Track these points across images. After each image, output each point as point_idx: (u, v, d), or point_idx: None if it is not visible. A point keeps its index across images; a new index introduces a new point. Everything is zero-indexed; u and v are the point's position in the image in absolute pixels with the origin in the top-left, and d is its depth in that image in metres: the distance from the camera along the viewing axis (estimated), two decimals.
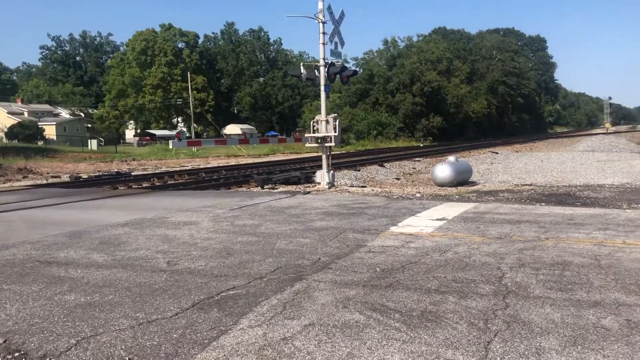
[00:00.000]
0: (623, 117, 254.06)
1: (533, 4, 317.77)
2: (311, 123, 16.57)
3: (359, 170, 25.57)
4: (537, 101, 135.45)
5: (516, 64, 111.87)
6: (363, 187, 18.18)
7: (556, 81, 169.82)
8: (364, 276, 5.61)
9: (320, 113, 16.48)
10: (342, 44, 16.65)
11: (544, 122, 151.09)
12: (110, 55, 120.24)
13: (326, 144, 16.19)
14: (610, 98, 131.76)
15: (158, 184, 20.83)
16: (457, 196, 14.00)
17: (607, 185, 17.46)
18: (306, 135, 16.78)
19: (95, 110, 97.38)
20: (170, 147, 57.65)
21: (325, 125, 16.14)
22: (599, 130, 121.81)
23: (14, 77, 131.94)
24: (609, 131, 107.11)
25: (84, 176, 25.49)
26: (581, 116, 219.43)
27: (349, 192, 14.95)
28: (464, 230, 8.09)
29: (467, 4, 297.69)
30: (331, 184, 16.32)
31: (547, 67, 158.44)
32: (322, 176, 16.50)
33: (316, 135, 16.13)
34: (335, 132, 16.01)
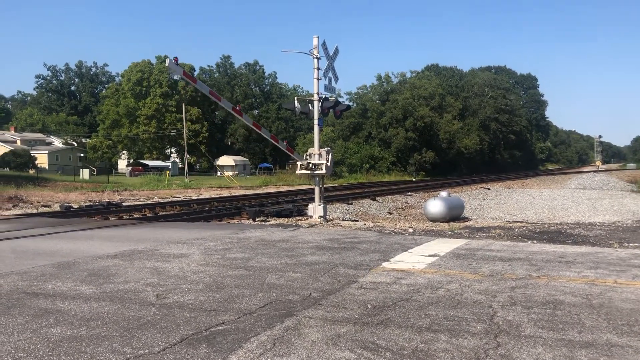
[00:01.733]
0: (613, 155, 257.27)
1: (524, 43, 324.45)
2: (304, 156, 16.65)
3: (352, 204, 25.58)
4: (529, 138, 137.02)
5: (508, 101, 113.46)
6: (355, 221, 18.17)
7: (547, 119, 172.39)
8: (355, 313, 5.56)
9: (313, 146, 16.58)
10: (336, 79, 16.86)
11: (535, 159, 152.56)
12: (106, 85, 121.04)
13: (317, 171, 16.18)
14: (600, 136, 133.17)
15: (149, 215, 20.70)
16: (449, 232, 14.01)
17: (598, 223, 17.53)
18: (298, 163, 16.80)
19: (88, 140, 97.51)
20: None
21: (318, 158, 16.23)
22: (589, 168, 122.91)
23: (9, 106, 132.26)
24: (599, 169, 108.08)
25: (75, 206, 25.32)
26: (572, 154, 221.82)
27: (341, 226, 14.92)
28: (456, 267, 8.07)
29: (460, 42, 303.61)
30: (323, 218, 16.29)
31: (538, 105, 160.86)
32: (314, 209, 16.49)
33: (308, 160, 16.18)
34: (328, 163, 16.11)
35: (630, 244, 12.15)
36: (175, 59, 13.87)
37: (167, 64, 13.99)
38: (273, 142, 17.74)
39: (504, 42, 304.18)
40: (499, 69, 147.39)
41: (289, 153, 17.79)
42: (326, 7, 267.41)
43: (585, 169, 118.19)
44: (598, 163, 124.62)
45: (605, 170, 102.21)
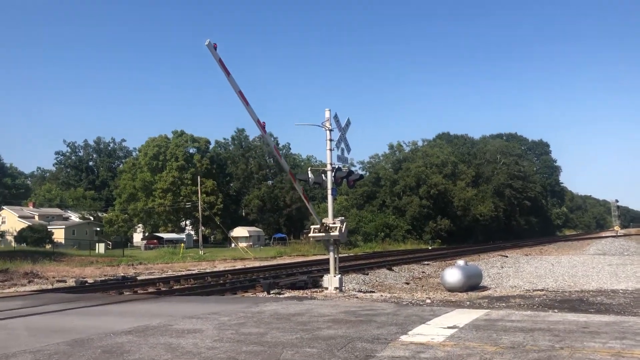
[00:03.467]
0: (632, 219, 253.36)
1: (535, 110, 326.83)
2: (321, 221, 16.61)
3: (367, 274, 25.27)
4: (544, 204, 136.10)
5: (521, 168, 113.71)
6: (372, 292, 17.90)
7: (562, 184, 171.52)
8: None
9: (327, 216, 16.61)
10: (349, 149, 17.12)
11: (552, 225, 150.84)
12: (123, 160, 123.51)
13: (332, 233, 16.03)
14: (617, 200, 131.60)
15: (164, 288, 20.58)
16: (468, 302, 13.74)
17: (621, 291, 17.10)
18: (312, 226, 16.73)
19: (104, 214, 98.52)
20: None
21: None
22: (608, 233, 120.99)
23: (28, 182, 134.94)
24: (618, 234, 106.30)
25: (90, 280, 25.28)
26: (589, 219, 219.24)
27: (357, 297, 14.70)
28: (476, 339, 7.86)
29: (470, 110, 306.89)
30: (339, 289, 16.09)
31: (551, 171, 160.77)
32: (329, 281, 16.31)
33: (323, 224, 16.07)
34: (343, 231, 16.06)
35: None
36: (215, 44, 13.87)
37: (205, 44, 13.74)
38: (290, 177, 17.62)
39: (514, 109, 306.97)
40: (510, 136, 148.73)
41: (304, 199, 17.66)
42: (338, 78, 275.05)
43: (603, 234, 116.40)
44: (617, 228, 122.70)
45: (625, 235, 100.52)
